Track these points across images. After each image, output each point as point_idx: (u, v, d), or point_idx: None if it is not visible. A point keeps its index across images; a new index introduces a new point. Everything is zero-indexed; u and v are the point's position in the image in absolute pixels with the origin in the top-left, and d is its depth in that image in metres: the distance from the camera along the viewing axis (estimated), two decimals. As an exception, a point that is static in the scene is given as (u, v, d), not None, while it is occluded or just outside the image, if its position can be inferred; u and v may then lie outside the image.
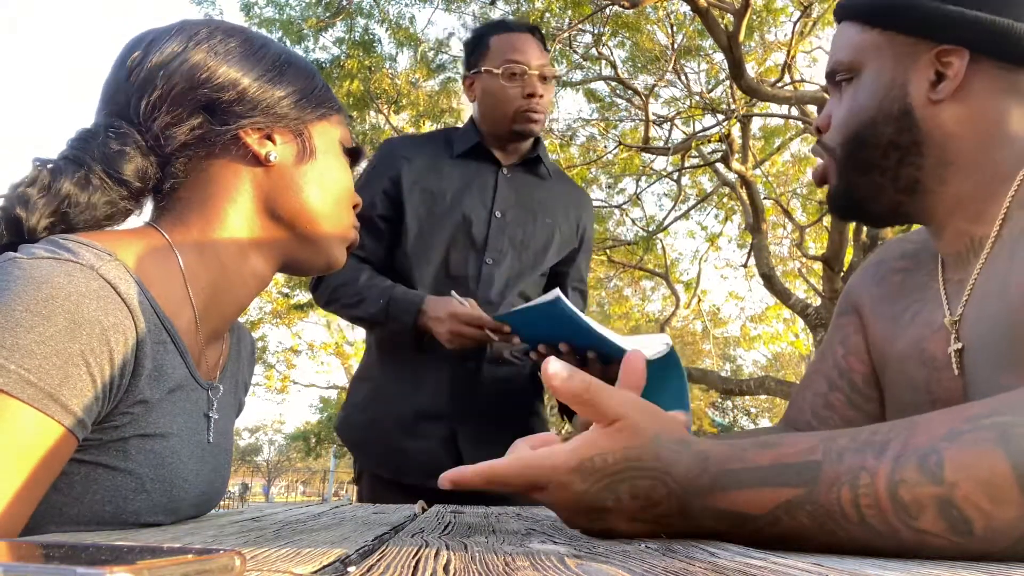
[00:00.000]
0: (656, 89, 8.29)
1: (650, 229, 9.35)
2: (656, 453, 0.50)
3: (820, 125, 0.86)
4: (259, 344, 16.75)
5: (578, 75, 8.51)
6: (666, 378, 1.21)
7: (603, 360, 1.21)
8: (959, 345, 0.74)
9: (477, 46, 1.55)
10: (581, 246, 1.61)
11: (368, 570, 0.35)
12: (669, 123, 8.38)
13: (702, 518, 0.49)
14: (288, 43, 7.53)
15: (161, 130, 0.71)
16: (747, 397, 11.55)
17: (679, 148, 7.61)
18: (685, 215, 9.76)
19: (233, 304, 0.77)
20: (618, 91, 8.70)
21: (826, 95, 6.32)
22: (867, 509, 0.43)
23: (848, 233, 6.61)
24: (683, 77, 8.37)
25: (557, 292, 1.15)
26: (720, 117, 7.42)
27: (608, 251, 9.36)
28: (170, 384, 0.68)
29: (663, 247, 9.87)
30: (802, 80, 7.63)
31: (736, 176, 7.57)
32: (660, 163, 8.91)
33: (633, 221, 10.08)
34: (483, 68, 1.51)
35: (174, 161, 0.73)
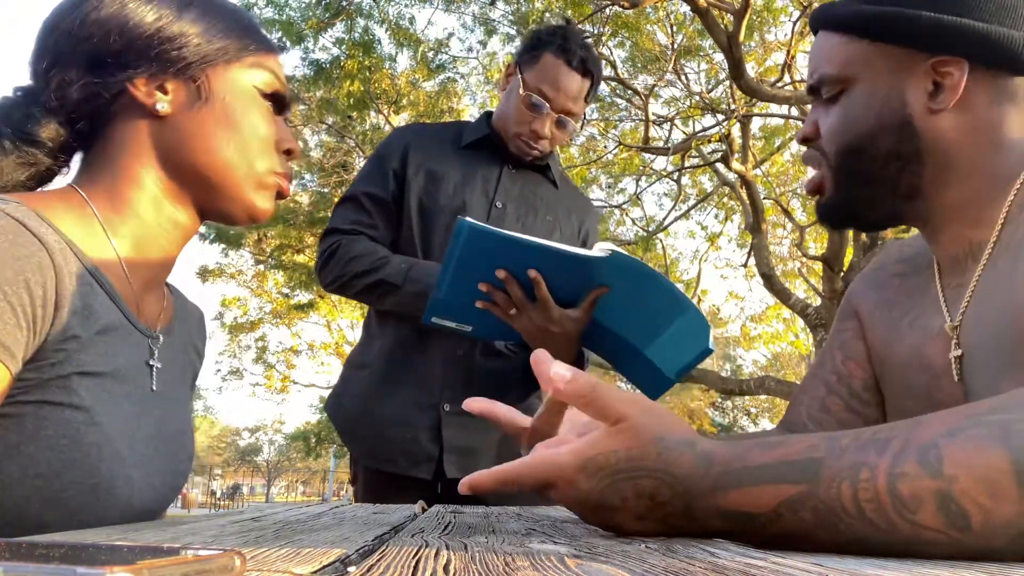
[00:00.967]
0: (656, 89, 8.29)
1: (650, 229, 9.36)
2: (658, 454, 0.50)
3: (807, 134, 0.84)
4: (259, 344, 16.81)
5: (578, 75, 8.50)
6: (635, 287, 1.15)
7: (554, 286, 1.16)
8: (959, 352, 0.74)
9: (534, 48, 1.50)
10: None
11: (368, 570, 0.35)
12: (669, 123, 8.39)
13: (707, 518, 0.49)
14: (288, 43, 7.53)
15: (57, 90, 0.72)
16: (747, 397, 11.55)
17: (679, 148, 7.62)
18: (685, 215, 9.78)
19: (160, 251, 0.77)
20: (618, 91, 8.70)
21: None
22: (867, 503, 0.43)
23: (848, 233, 6.61)
24: (683, 77, 8.38)
25: (459, 219, 1.10)
26: (720, 117, 7.43)
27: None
28: (102, 323, 0.69)
29: (663, 247, 9.88)
30: (802, 80, 7.63)
31: (736, 176, 7.57)
32: (660, 163, 8.93)
33: (633, 221, 10.09)
34: (522, 74, 1.49)
35: (77, 120, 0.74)
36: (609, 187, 9.81)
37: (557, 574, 0.33)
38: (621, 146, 8.23)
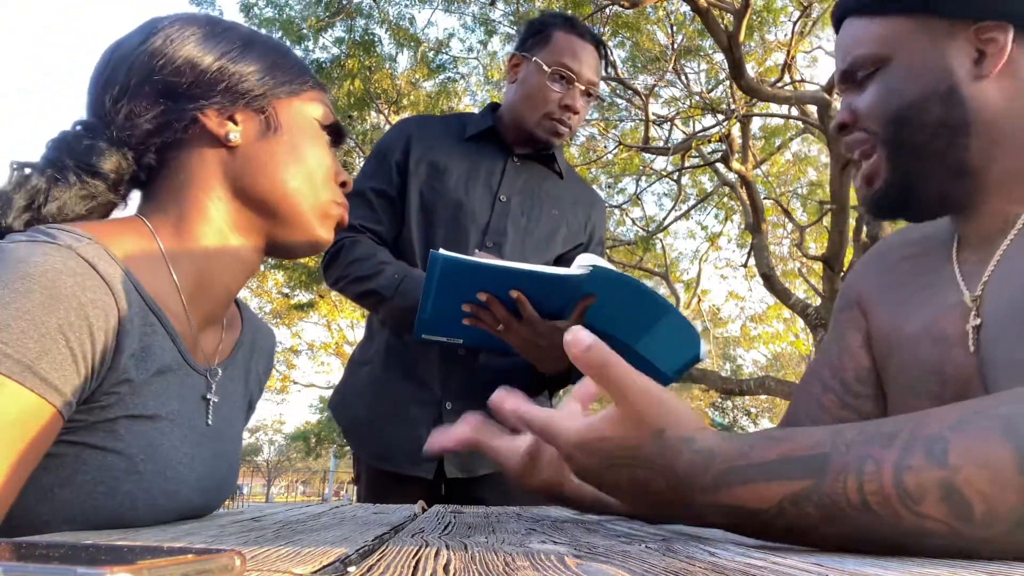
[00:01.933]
0: (656, 89, 8.29)
1: (650, 229, 9.36)
2: (657, 449, 0.49)
3: (844, 120, 0.82)
4: (259, 344, 16.70)
5: (578, 75, 8.50)
6: (620, 296, 1.15)
7: (539, 302, 1.16)
8: (977, 321, 0.73)
9: (539, 32, 1.50)
10: (590, 244, 1.59)
11: (368, 570, 0.35)
12: (669, 123, 8.39)
13: (705, 512, 0.49)
14: (288, 43, 7.53)
15: (125, 122, 0.73)
16: (747, 397, 11.55)
17: (679, 148, 7.61)
18: (685, 215, 9.77)
19: (222, 288, 0.77)
20: (618, 91, 8.69)
21: (826, 95, 6.33)
22: (871, 496, 0.43)
23: (848, 233, 6.61)
24: (683, 77, 8.38)
25: (432, 252, 1.09)
26: (720, 117, 7.43)
27: (608, 251, 9.36)
28: (157, 365, 0.68)
29: (663, 247, 9.88)
30: (802, 80, 7.63)
31: (736, 176, 7.57)
32: (660, 163, 8.92)
33: (633, 221, 10.09)
34: (535, 57, 1.47)
35: (146, 152, 0.74)
36: (609, 187, 9.80)
37: (557, 574, 0.33)
38: (621, 146, 8.23)
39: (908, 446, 0.43)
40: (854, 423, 0.48)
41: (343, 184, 0.84)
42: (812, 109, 6.94)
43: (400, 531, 0.59)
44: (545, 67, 1.44)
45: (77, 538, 0.54)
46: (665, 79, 8.30)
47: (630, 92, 8.30)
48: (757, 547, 0.46)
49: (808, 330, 7.76)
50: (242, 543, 0.48)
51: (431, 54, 8.50)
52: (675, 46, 7.70)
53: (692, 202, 9.77)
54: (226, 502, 0.88)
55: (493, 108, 1.58)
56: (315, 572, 0.34)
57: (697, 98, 8.29)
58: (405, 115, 8.52)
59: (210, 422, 0.77)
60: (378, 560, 0.38)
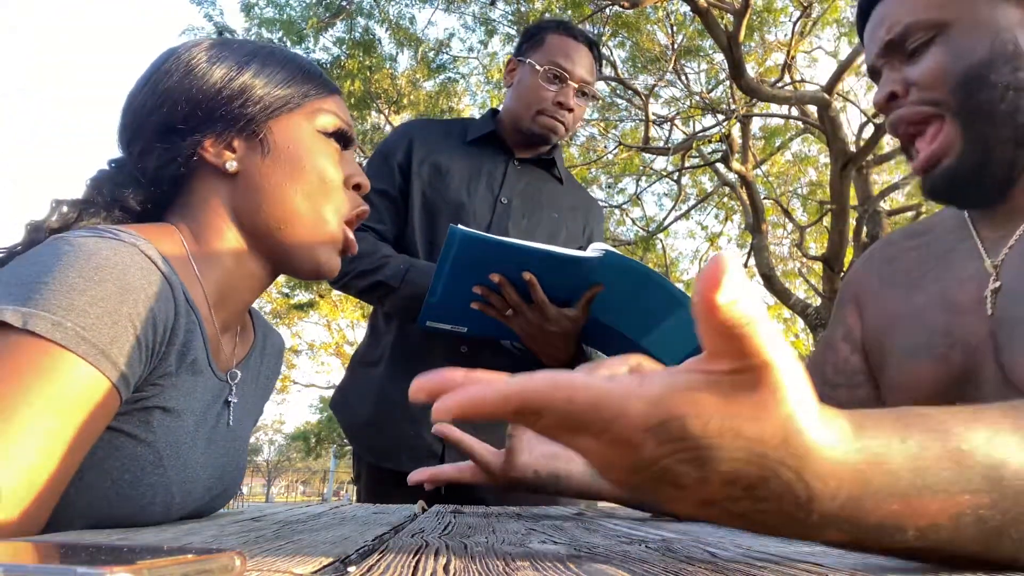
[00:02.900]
0: (656, 89, 8.29)
1: (650, 229, 9.36)
2: (786, 437, 0.33)
3: (895, 91, 0.78)
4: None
5: (578, 75, 8.50)
6: (630, 285, 1.15)
7: (550, 287, 1.17)
8: (997, 284, 0.73)
9: (533, 36, 1.54)
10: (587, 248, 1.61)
11: (368, 570, 0.35)
12: (669, 123, 8.39)
13: (827, 528, 0.35)
14: (288, 43, 7.53)
15: (138, 161, 0.76)
16: (747, 397, 11.50)
17: (679, 148, 7.61)
18: (685, 215, 9.77)
19: (240, 299, 0.79)
20: (618, 91, 8.69)
21: (826, 95, 6.32)
22: None
23: (848, 233, 6.61)
24: (683, 77, 8.38)
25: (451, 227, 1.10)
26: (720, 117, 7.43)
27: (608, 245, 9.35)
28: (190, 360, 0.70)
29: (663, 247, 9.88)
30: (802, 80, 7.63)
31: (736, 176, 7.57)
32: (660, 163, 8.93)
33: (633, 221, 10.09)
34: (528, 60, 1.51)
35: (161, 184, 0.77)
36: (609, 187, 9.80)
37: (557, 574, 0.33)
38: (621, 146, 8.23)
39: None
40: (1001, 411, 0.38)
41: (357, 187, 0.83)
42: (812, 109, 6.94)
43: (400, 531, 0.59)
44: (538, 67, 1.48)
45: (78, 538, 0.55)
46: (665, 79, 8.30)
47: (630, 92, 8.30)
48: (757, 547, 0.46)
49: (808, 330, 7.76)
50: (242, 543, 0.48)
51: (431, 54, 8.50)
52: (675, 46, 7.70)
53: (692, 202, 9.77)
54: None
55: (494, 113, 1.61)
56: (315, 572, 0.34)
57: (697, 98, 8.29)
58: (405, 115, 8.54)
59: (231, 423, 0.80)
60: (378, 560, 0.38)
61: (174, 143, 0.75)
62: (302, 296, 12.54)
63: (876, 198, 6.90)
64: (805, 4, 6.62)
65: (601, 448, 0.34)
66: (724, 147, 7.35)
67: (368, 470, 1.52)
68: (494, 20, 8.46)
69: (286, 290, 12.52)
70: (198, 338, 0.71)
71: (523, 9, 7.48)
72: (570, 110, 1.49)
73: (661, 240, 9.58)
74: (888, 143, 7.17)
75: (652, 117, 7.77)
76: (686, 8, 6.40)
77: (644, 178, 9.13)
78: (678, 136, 8.31)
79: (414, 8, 8.30)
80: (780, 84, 7.02)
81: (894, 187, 7.90)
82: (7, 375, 0.56)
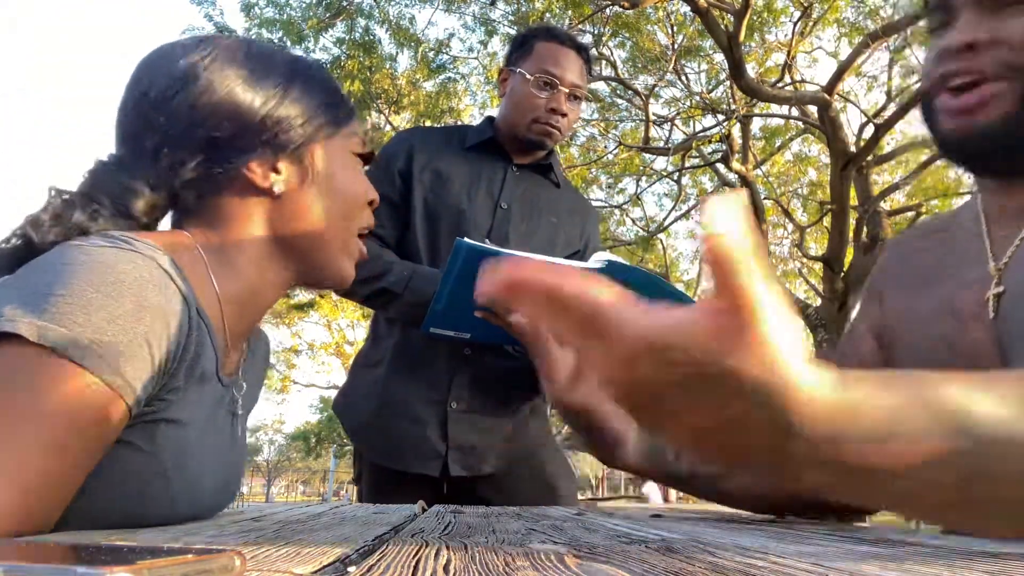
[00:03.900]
0: (656, 89, 8.30)
1: (650, 229, 9.36)
2: (772, 371, 0.34)
3: (977, 39, 0.71)
4: (259, 344, 16.77)
5: (578, 75, 8.50)
6: (634, 290, 1.17)
7: None
8: (1000, 289, 0.72)
9: (522, 45, 1.56)
10: (586, 251, 1.62)
11: (368, 570, 0.35)
12: (669, 123, 8.39)
13: (809, 467, 0.37)
14: (288, 43, 7.53)
15: (168, 171, 0.73)
16: (747, 397, 11.51)
17: (679, 148, 7.62)
18: (685, 215, 9.77)
19: (254, 308, 0.79)
20: (618, 91, 8.70)
21: (827, 96, 6.32)
22: None
23: (848, 233, 6.62)
24: (683, 77, 8.38)
25: (457, 240, 1.13)
26: (720, 117, 7.43)
27: (608, 251, 9.36)
28: (198, 373, 0.70)
29: (663, 247, 9.88)
30: (802, 80, 7.63)
31: (736, 176, 7.57)
32: (660, 163, 8.93)
33: (633, 221, 10.09)
34: (519, 69, 1.53)
35: (184, 194, 0.75)
36: (609, 187, 9.80)
37: (557, 574, 0.33)
38: (621, 146, 8.24)
39: None
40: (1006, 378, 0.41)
41: (371, 202, 0.84)
42: (812, 109, 6.94)
43: (400, 531, 0.59)
44: (528, 76, 1.50)
45: (78, 538, 0.55)
46: (665, 79, 8.30)
47: (630, 92, 8.30)
48: (757, 547, 0.46)
49: (808, 330, 7.76)
50: (242, 543, 0.48)
51: (431, 54, 8.50)
52: (675, 46, 7.71)
53: (692, 202, 9.77)
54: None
55: (491, 120, 1.63)
56: (315, 572, 0.34)
57: (697, 98, 8.29)
58: (405, 115, 8.54)
59: (238, 433, 0.80)
60: (378, 560, 0.38)
61: (218, 160, 0.74)
62: (302, 296, 12.55)
63: (876, 198, 6.91)
64: (805, 4, 6.62)
65: (608, 363, 0.36)
66: (724, 147, 7.36)
67: (369, 470, 1.52)
68: (494, 20, 8.47)
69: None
70: (208, 350, 0.71)
71: (523, 9, 7.49)
72: (564, 115, 1.51)
73: (661, 240, 9.59)
74: (888, 143, 7.18)
75: (652, 117, 7.78)
76: (686, 8, 6.41)
77: (644, 178, 9.13)
78: (678, 136, 8.31)
79: (414, 8, 8.31)
80: (780, 84, 7.02)
81: (894, 187, 7.91)
82: (18, 388, 0.56)
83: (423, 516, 0.80)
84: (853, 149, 6.44)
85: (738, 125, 7.37)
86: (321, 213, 0.78)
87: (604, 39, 7.71)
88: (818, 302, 7.20)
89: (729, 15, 5.73)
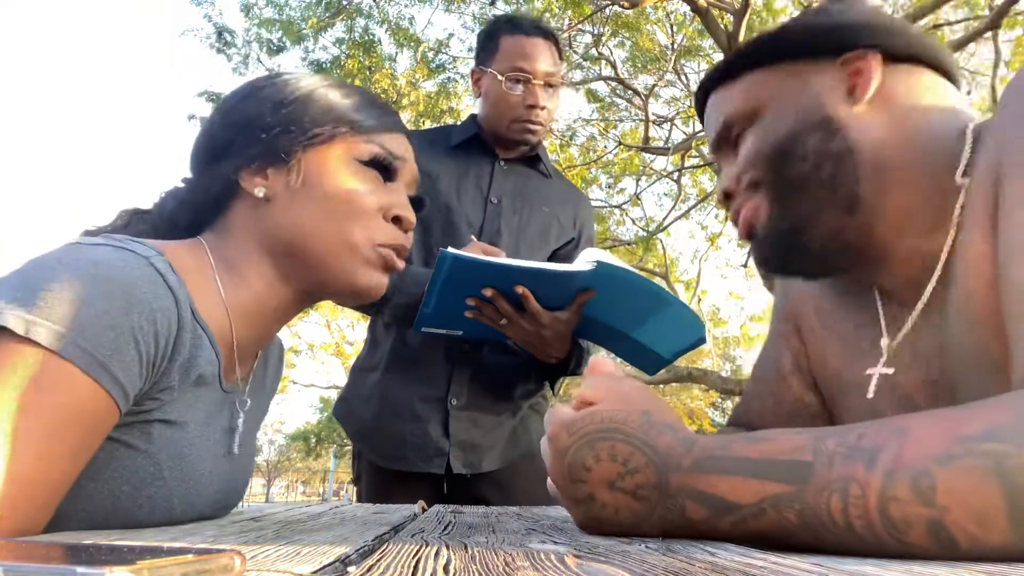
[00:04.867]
0: (656, 89, 8.29)
1: (650, 229, 9.36)
2: (642, 425, 0.53)
3: (729, 188, 0.79)
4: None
5: (578, 75, 8.51)
6: (621, 289, 1.17)
7: (542, 295, 1.20)
8: (890, 370, 0.73)
9: (488, 42, 1.54)
10: (580, 240, 1.62)
11: (368, 570, 0.35)
12: (669, 123, 8.39)
13: (680, 496, 0.50)
14: (288, 43, 7.53)
15: (193, 187, 0.81)
16: (747, 397, 11.52)
17: (679, 148, 7.62)
18: (685, 215, 9.76)
19: (264, 324, 0.79)
20: (618, 91, 8.69)
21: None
22: (856, 520, 0.43)
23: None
24: (683, 77, 8.38)
25: (442, 250, 1.12)
26: (720, 117, 7.42)
27: (608, 251, 9.34)
28: (195, 375, 0.70)
29: (663, 247, 9.88)
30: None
31: (736, 176, 7.56)
32: (660, 163, 8.92)
33: (633, 221, 10.08)
34: (489, 68, 1.51)
35: (206, 207, 0.80)
36: (609, 187, 9.80)
37: (557, 574, 0.33)
38: (621, 146, 8.23)
39: (892, 474, 0.43)
40: (832, 428, 0.48)
41: (397, 219, 0.81)
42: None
43: (400, 531, 0.59)
44: (499, 76, 1.48)
45: (78, 538, 0.55)
46: (665, 79, 8.30)
47: (630, 92, 8.30)
48: (757, 547, 0.46)
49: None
50: (242, 543, 0.48)
51: (431, 54, 8.50)
52: (675, 46, 7.70)
53: (692, 202, 9.77)
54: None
55: (475, 117, 1.62)
56: (315, 572, 0.34)
57: (697, 98, 8.28)
58: (405, 115, 8.53)
59: (236, 450, 0.80)
60: (378, 560, 0.38)
61: (218, 169, 0.78)
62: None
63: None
64: (805, 4, 6.61)
65: (550, 452, 0.58)
66: (724, 147, 7.34)
67: (370, 470, 1.52)
68: (494, 20, 8.45)
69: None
70: (206, 354, 0.71)
71: (523, 9, 7.48)
72: (542, 108, 1.49)
73: (661, 240, 9.58)
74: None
75: (652, 117, 7.78)
76: (686, 8, 6.40)
77: (644, 178, 9.12)
78: (678, 136, 8.31)
79: (414, 8, 8.31)
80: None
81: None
82: (5, 381, 0.56)
83: (423, 516, 0.80)
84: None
85: (738, 125, 7.36)
86: (311, 219, 0.77)
87: (604, 39, 7.71)
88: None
89: (729, 15, 5.73)
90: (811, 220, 0.73)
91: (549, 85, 1.50)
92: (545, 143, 1.62)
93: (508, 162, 1.58)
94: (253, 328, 0.78)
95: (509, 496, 1.43)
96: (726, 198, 0.80)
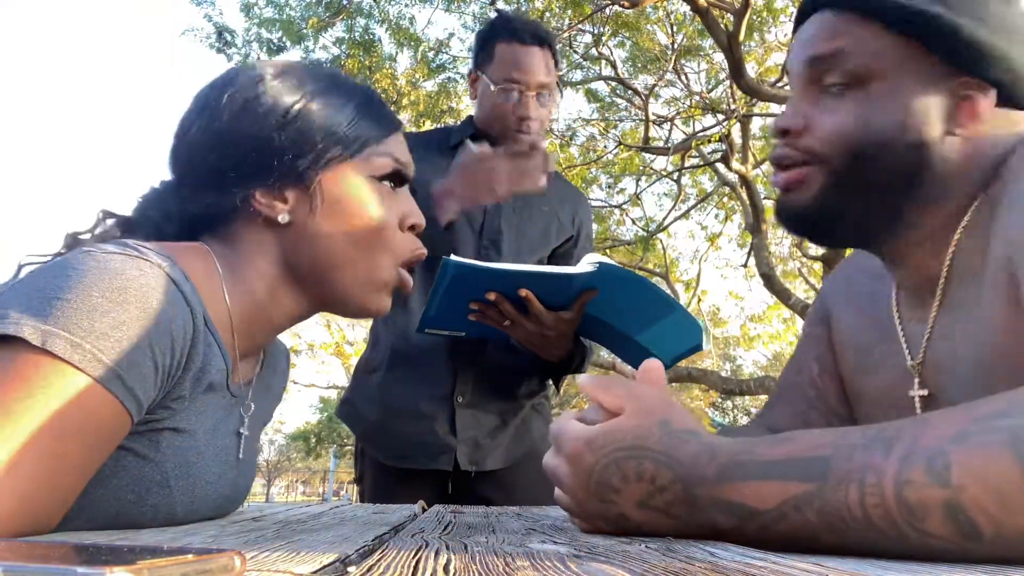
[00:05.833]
0: (656, 89, 8.29)
1: (650, 229, 9.35)
2: (662, 438, 0.52)
3: (793, 126, 0.74)
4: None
5: (578, 75, 8.51)
6: (623, 290, 1.19)
7: (544, 297, 1.20)
8: (924, 391, 0.73)
9: (484, 47, 1.53)
10: (579, 238, 1.62)
11: (368, 570, 0.35)
12: (669, 123, 8.38)
13: (708, 509, 0.49)
14: (288, 43, 7.52)
15: (188, 200, 0.77)
16: (747, 397, 11.55)
17: (679, 148, 7.61)
18: (685, 215, 9.76)
19: (268, 327, 0.79)
20: (618, 91, 8.69)
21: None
22: (873, 509, 0.42)
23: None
24: (683, 77, 8.37)
25: (444, 258, 1.13)
26: (720, 117, 7.42)
27: (608, 251, 9.35)
28: (206, 382, 0.70)
29: (663, 247, 9.87)
30: (802, 80, 7.61)
31: (736, 176, 7.57)
32: (660, 163, 8.92)
33: (633, 221, 10.07)
34: (484, 75, 1.51)
35: (208, 220, 0.77)
36: (609, 187, 9.79)
37: (557, 574, 0.33)
38: (621, 146, 8.22)
39: (908, 457, 0.42)
40: (859, 427, 0.47)
41: (412, 227, 0.81)
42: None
43: (400, 531, 0.59)
44: (493, 85, 1.48)
45: (77, 538, 0.55)
46: (665, 79, 8.29)
47: (630, 92, 8.30)
48: (760, 547, 0.46)
49: (808, 330, 7.75)
50: (242, 543, 0.48)
51: (431, 54, 8.50)
52: (675, 46, 7.70)
53: (692, 202, 9.76)
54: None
55: (472, 118, 1.62)
56: (315, 572, 0.34)
57: (697, 98, 8.28)
58: (405, 115, 8.52)
59: (242, 455, 0.80)
60: (378, 560, 0.38)
61: (226, 189, 0.74)
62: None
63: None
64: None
65: (568, 469, 0.56)
66: (724, 147, 7.34)
67: (373, 469, 1.53)
68: (494, 20, 8.45)
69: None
70: (217, 361, 0.70)
71: (523, 9, 7.47)
72: (533, 120, 1.48)
73: (661, 240, 9.57)
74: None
75: (652, 117, 7.77)
76: (686, 8, 6.40)
77: (644, 178, 9.12)
78: (678, 136, 8.30)
79: (414, 8, 8.29)
80: (780, 84, 7.01)
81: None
82: (20, 392, 0.56)
83: (423, 516, 0.80)
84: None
85: (738, 125, 7.36)
86: (331, 243, 0.76)
87: (604, 38, 7.70)
88: (818, 302, 7.19)
89: (729, 15, 5.73)
90: (853, 218, 0.74)
91: (541, 98, 1.50)
92: (545, 143, 1.61)
93: None
94: (251, 332, 0.77)
95: (511, 496, 1.43)
96: (782, 133, 0.75)
